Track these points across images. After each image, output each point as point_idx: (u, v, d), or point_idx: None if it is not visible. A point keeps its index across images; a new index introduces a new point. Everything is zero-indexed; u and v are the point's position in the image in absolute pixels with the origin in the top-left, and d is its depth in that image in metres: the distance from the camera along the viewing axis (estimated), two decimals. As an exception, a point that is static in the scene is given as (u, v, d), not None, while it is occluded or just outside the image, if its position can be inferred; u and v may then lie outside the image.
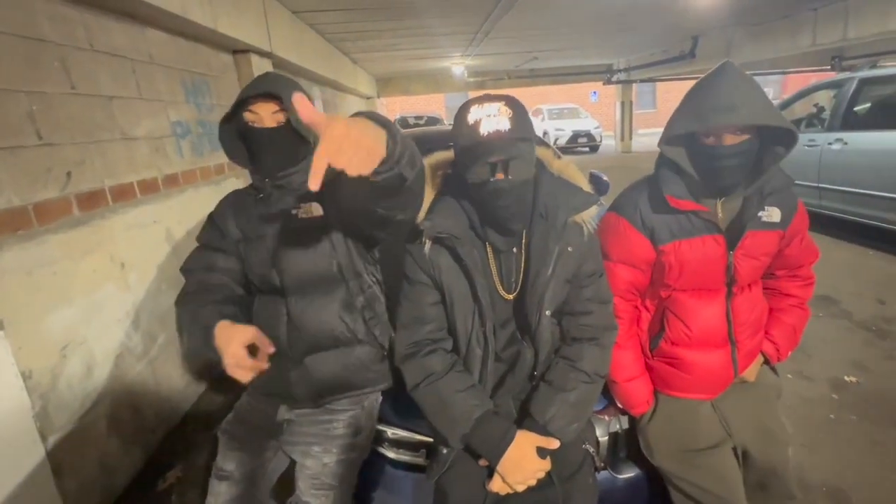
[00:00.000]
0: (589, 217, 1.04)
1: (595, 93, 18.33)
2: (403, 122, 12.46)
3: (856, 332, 3.00)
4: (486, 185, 0.91)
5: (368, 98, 11.21)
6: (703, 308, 1.16)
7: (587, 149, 14.07)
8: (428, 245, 1.00)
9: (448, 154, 1.08)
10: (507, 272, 1.04)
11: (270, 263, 1.15)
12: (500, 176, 0.91)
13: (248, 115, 1.08)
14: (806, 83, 5.21)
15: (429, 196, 1.02)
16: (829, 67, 7.08)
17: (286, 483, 1.32)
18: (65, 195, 1.74)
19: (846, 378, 2.53)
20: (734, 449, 1.23)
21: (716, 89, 1.00)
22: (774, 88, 18.74)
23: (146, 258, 2.22)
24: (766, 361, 1.30)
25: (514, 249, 1.03)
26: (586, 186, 1.06)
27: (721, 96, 0.98)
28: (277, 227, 1.13)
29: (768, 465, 1.24)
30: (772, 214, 1.12)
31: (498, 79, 12.40)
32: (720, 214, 1.13)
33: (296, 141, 1.09)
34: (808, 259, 1.27)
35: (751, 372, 1.25)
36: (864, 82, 4.32)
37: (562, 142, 13.68)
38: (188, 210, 2.58)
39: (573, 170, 1.09)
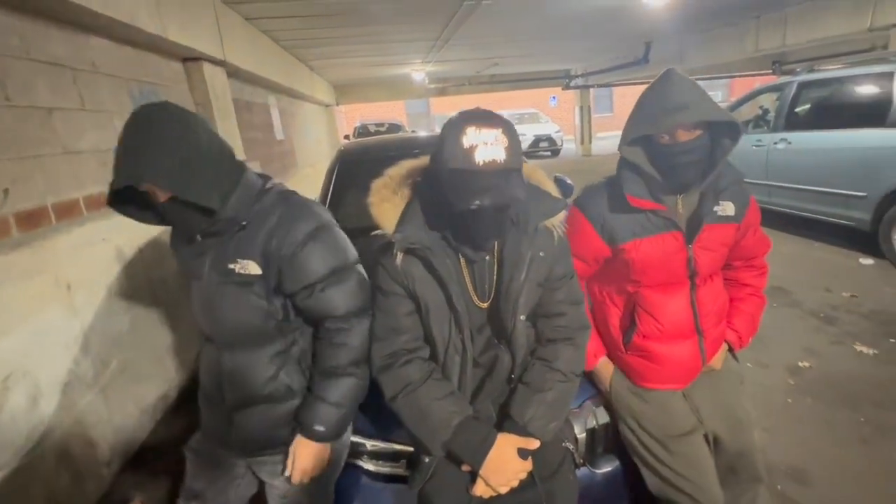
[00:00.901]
0: (558, 222, 1.05)
1: (554, 98, 18.82)
2: (364, 129, 12.36)
3: (807, 320, 3.17)
4: (469, 213, 0.87)
5: (327, 106, 11.07)
6: (669, 302, 1.22)
7: (549, 153, 14.39)
8: (400, 257, 0.99)
9: (417, 162, 1.07)
10: (480, 280, 1.04)
11: (202, 313, 1.10)
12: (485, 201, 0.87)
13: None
14: (751, 87, 5.51)
15: (399, 206, 1.01)
16: (770, 71, 7.54)
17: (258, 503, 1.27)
18: (2, 215, 1.62)
19: (800, 363, 2.67)
20: (706, 436, 1.28)
21: (666, 93, 1.07)
22: (723, 92, 19.78)
23: (95, 279, 2.08)
24: (730, 349, 1.36)
25: (487, 257, 1.03)
26: (554, 191, 1.07)
27: (671, 98, 1.05)
28: (214, 276, 1.05)
29: (737, 449, 1.29)
30: (726, 208, 1.19)
31: (459, 85, 12.52)
32: (680, 210, 1.19)
33: (198, 209, 0.97)
34: (761, 250, 1.35)
35: (717, 360, 1.31)
36: (803, 85, 4.61)
37: (524, 146, 13.90)
38: (139, 226, 2.43)
39: (541, 175, 1.10)
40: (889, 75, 3.77)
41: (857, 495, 1.79)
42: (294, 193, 1.12)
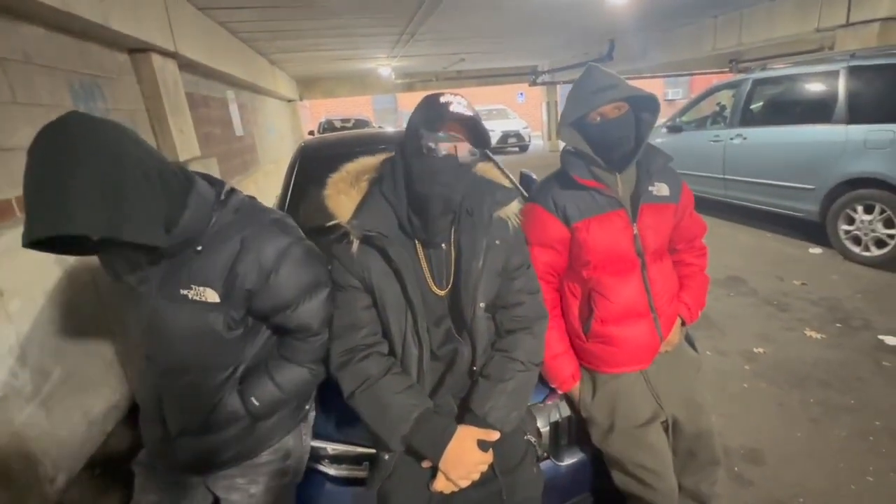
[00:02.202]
0: (512, 212, 1.09)
1: (522, 94, 18.97)
2: (329, 125, 12.15)
3: (761, 308, 3.30)
4: (436, 156, 0.93)
5: (290, 101, 10.80)
6: (623, 284, 1.27)
7: (517, 148, 14.49)
8: (356, 245, 0.98)
9: (375, 159, 1.09)
10: (437, 268, 1.05)
11: (145, 336, 0.99)
12: (451, 150, 0.93)
13: None
14: (710, 84, 5.69)
15: (355, 199, 1.01)
16: (727, 69, 7.83)
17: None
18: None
19: (755, 349, 2.78)
20: (664, 423, 1.32)
21: (592, 80, 1.20)
22: (683, 88, 20.42)
23: (31, 284, 1.95)
24: (683, 323, 1.42)
25: (444, 246, 1.05)
26: (507, 184, 1.12)
27: (598, 81, 1.19)
28: (161, 301, 0.94)
29: (696, 432, 1.34)
30: (661, 189, 1.29)
31: (426, 80, 12.45)
32: (620, 188, 1.26)
33: (136, 250, 0.86)
34: (699, 231, 1.45)
35: (673, 335, 1.37)
36: (758, 83, 4.79)
37: (492, 142, 13.95)
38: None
39: (495, 172, 1.15)
40: (834, 74, 3.94)
41: (807, 472, 1.88)
42: (253, 203, 1.03)
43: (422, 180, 0.95)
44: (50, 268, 2.07)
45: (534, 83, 13.45)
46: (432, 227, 0.99)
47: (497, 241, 1.04)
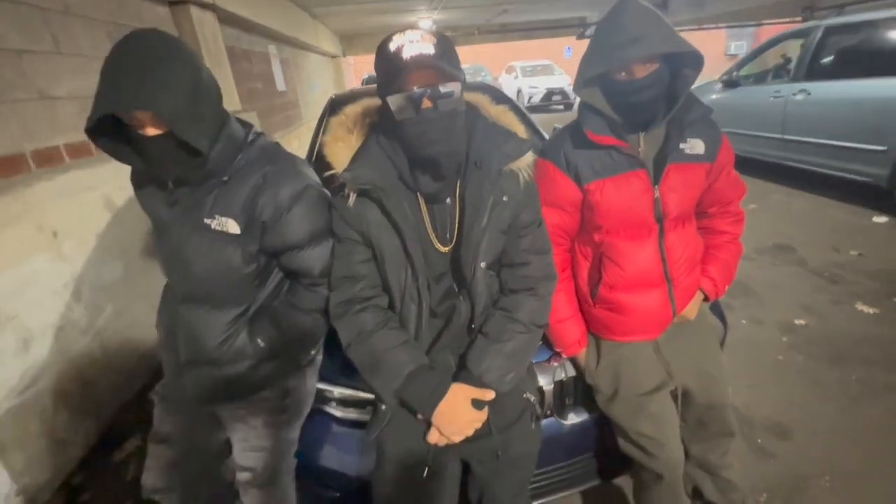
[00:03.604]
0: (525, 165, 1.00)
1: (570, 48, 17.94)
2: (371, 80, 11.98)
3: (809, 279, 3.10)
4: (414, 118, 0.85)
5: (333, 57, 10.72)
6: (637, 249, 1.17)
7: (561, 106, 13.87)
8: (352, 198, 0.95)
9: (376, 101, 1.00)
10: (441, 224, 1.00)
11: (169, 263, 1.06)
12: (427, 104, 0.85)
13: (121, 115, 0.86)
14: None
15: (353, 146, 0.96)
16: (801, 19, 7.02)
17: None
18: (-24, 160, 1.61)
19: (796, 321, 2.63)
20: (673, 392, 1.27)
21: (619, 26, 1.00)
22: (748, 41, 18.65)
23: (83, 227, 2.10)
24: (706, 299, 1.32)
25: (448, 200, 0.99)
26: (522, 133, 1.01)
27: (624, 31, 0.98)
28: (185, 229, 1.00)
29: (707, 402, 1.28)
30: (694, 146, 1.13)
31: (468, 34, 11.99)
32: (642, 147, 1.12)
33: (188, 150, 0.91)
34: (736, 194, 1.28)
35: (691, 309, 1.27)
36: (830, 31, 4.29)
37: (536, 100, 13.42)
38: (128, 175, 2.42)
39: (511, 117, 1.04)
40: (924, 19, 3.48)
41: (837, 450, 1.79)
42: (278, 147, 1.08)
43: (412, 146, 0.89)
44: (100, 213, 2.22)
45: (582, 36, 12.61)
46: (436, 183, 0.95)
47: (505, 198, 0.97)
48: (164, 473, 1.21)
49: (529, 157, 1.00)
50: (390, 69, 0.83)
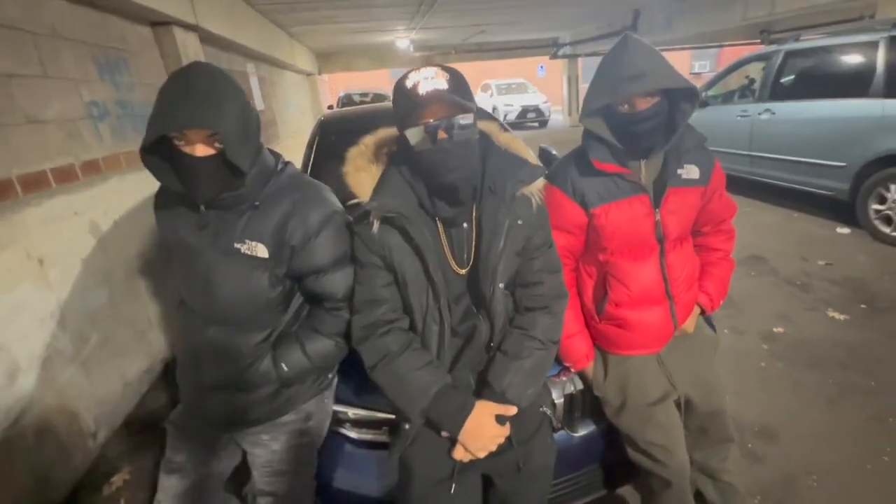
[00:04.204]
0: (536, 189, 1.05)
1: (542, 67, 18.47)
2: (348, 99, 12.06)
3: (783, 288, 3.25)
4: (431, 148, 0.91)
5: (309, 75, 10.73)
6: (640, 269, 1.24)
7: (536, 124, 14.23)
8: (376, 226, 0.98)
9: (393, 131, 1.06)
10: (458, 247, 1.04)
11: (197, 288, 1.07)
12: (442, 135, 0.90)
13: (174, 136, 0.91)
14: (739, 57, 5.45)
15: (375, 175, 1.00)
16: (759, 41, 7.46)
17: (242, 474, 1.29)
18: (-38, 187, 1.56)
19: (774, 329, 2.75)
20: (677, 401, 1.32)
21: (622, 61, 1.07)
22: (711, 62, 19.61)
23: (69, 253, 2.04)
24: (703, 313, 1.39)
25: (465, 224, 1.03)
26: (533, 159, 1.07)
27: (628, 67, 1.05)
28: (215, 253, 1.02)
29: (708, 410, 1.34)
30: (690, 172, 1.22)
31: (445, 53, 12.23)
32: (643, 174, 1.20)
33: (230, 171, 0.95)
34: (728, 213, 1.37)
35: (689, 324, 1.34)
36: (790, 54, 4.58)
37: (511, 117, 13.73)
38: (114, 200, 2.38)
39: (519, 144, 1.10)
40: (873, 44, 3.75)
41: (822, 451, 1.88)
42: (304, 176, 1.14)
43: (431, 174, 0.94)
44: (85, 239, 2.16)
45: (555, 56, 13.07)
46: (454, 209, 1.00)
47: (519, 221, 1.02)
48: None
49: (541, 182, 1.05)
50: (408, 104, 0.89)
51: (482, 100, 14.93)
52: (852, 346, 2.53)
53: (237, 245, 1.01)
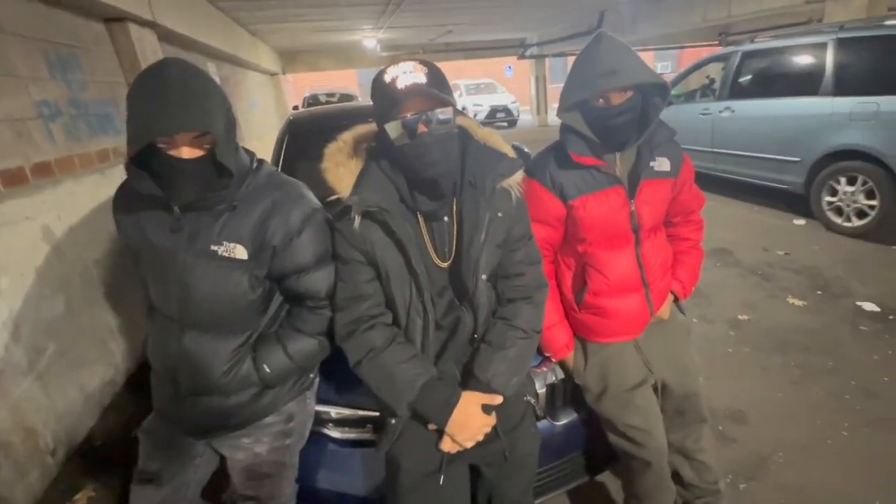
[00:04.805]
0: (515, 182, 1.06)
1: (510, 67, 18.70)
2: (314, 99, 11.86)
3: (746, 277, 3.39)
4: (411, 142, 0.90)
5: (273, 74, 10.51)
6: (617, 258, 1.27)
7: (505, 123, 14.36)
8: (357, 221, 0.97)
9: (371, 127, 1.06)
10: (440, 241, 1.04)
11: (172, 291, 1.01)
12: (423, 129, 0.90)
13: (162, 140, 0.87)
14: (699, 58, 5.66)
15: (354, 171, 0.99)
16: (717, 42, 7.78)
17: (218, 481, 1.25)
18: None
19: (740, 317, 2.87)
20: (654, 385, 1.37)
21: (597, 58, 1.11)
22: (672, 62, 20.30)
23: (20, 260, 1.91)
24: (676, 300, 1.44)
25: (446, 218, 1.04)
26: (511, 153, 1.08)
27: (602, 63, 1.10)
28: (190, 256, 0.98)
29: (684, 392, 1.39)
30: (662, 164, 1.27)
31: (412, 52, 12.18)
32: (619, 166, 1.24)
33: (217, 171, 0.92)
34: (697, 205, 1.43)
35: (664, 310, 1.39)
36: (746, 55, 4.78)
37: (481, 117, 13.78)
38: (69, 204, 2.25)
39: (497, 138, 1.11)
40: (822, 46, 3.95)
41: (787, 429, 1.98)
42: (280, 174, 1.09)
43: (411, 168, 0.94)
44: (38, 245, 2.03)
45: (522, 56, 13.25)
46: (435, 202, 1.00)
47: (499, 214, 1.03)
48: None
49: (520, 175, 1.06)
50: (387, 99, 0.89)
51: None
52: (811, 330, 2.66)
53: (214, 247, 0.97)
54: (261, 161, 1.07)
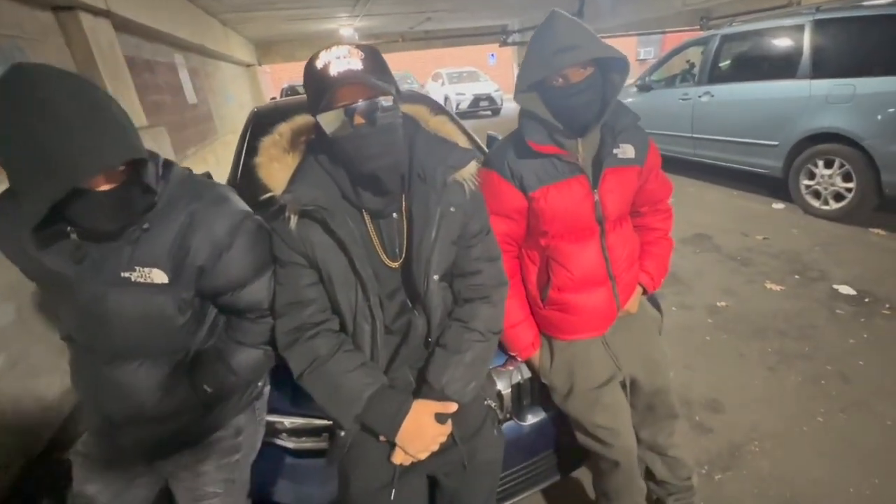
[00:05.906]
0: (469, 175, 0.98)
1: (493, 55, 18.51)
2: (292, 91, 11.62)
3: (725, 263, 3.38)
4: (348, 134, 0.82)
5: (248, 66, 10.25)
6: (581, 251, 1.21)
7: (489, 112, 14.23)
8: (294, 220, 0.89)
9: (311, 118, 0.95)
10: (389, 239, 0.97)
11: (81, 323, 0.91)
12: (359, 121, 0.82)
13: None
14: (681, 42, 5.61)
15: (290, 166, 0.91)
16: (698, 27, 7.75)
17: (165, 500, 1.17)
18: None
19: (718, 303, 2.85)
20: (622, 381, 1.32)
21: (554, 35, 1.06)
22: (655, 48, 20.25)
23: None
24: (645, 292, 1.39)
25: (395, 215, 0.96)
26: (464, 143, 1.00)
27: (559, 40, 1.04)
28: (97, 284, 0.85)
29: (654, 388, 1.35)
30: (626, 151, 1.21)
31: (391, 41, 11.98)
32: (581, 153, 1.17)
33: (140, 195, 0.82)
34: (664, 193, 1.37)
35: (632, 304, 1.33)
36: (726, 39, 4.74)
37: (464, 106, 13.65)
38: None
39: (450, 127, 1.03)
40: (800, 28, 3.92)
41: (763, 417, 1.96)
42: (195, 176, 0.96)
43: (351, 162, 0.86)
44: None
45: (504, 43, 13.09)
46: (381, 199, 0.92)
47: (452, 209, 0.95)
48: None
49: (473, 166, 0.99)
50: (318, 87, 0.81)
51: (433, 89, 14.77)
52: (788, 315, 2.66)
53: (125, 274, 0.85)
54: (168, 163, 0.92)
